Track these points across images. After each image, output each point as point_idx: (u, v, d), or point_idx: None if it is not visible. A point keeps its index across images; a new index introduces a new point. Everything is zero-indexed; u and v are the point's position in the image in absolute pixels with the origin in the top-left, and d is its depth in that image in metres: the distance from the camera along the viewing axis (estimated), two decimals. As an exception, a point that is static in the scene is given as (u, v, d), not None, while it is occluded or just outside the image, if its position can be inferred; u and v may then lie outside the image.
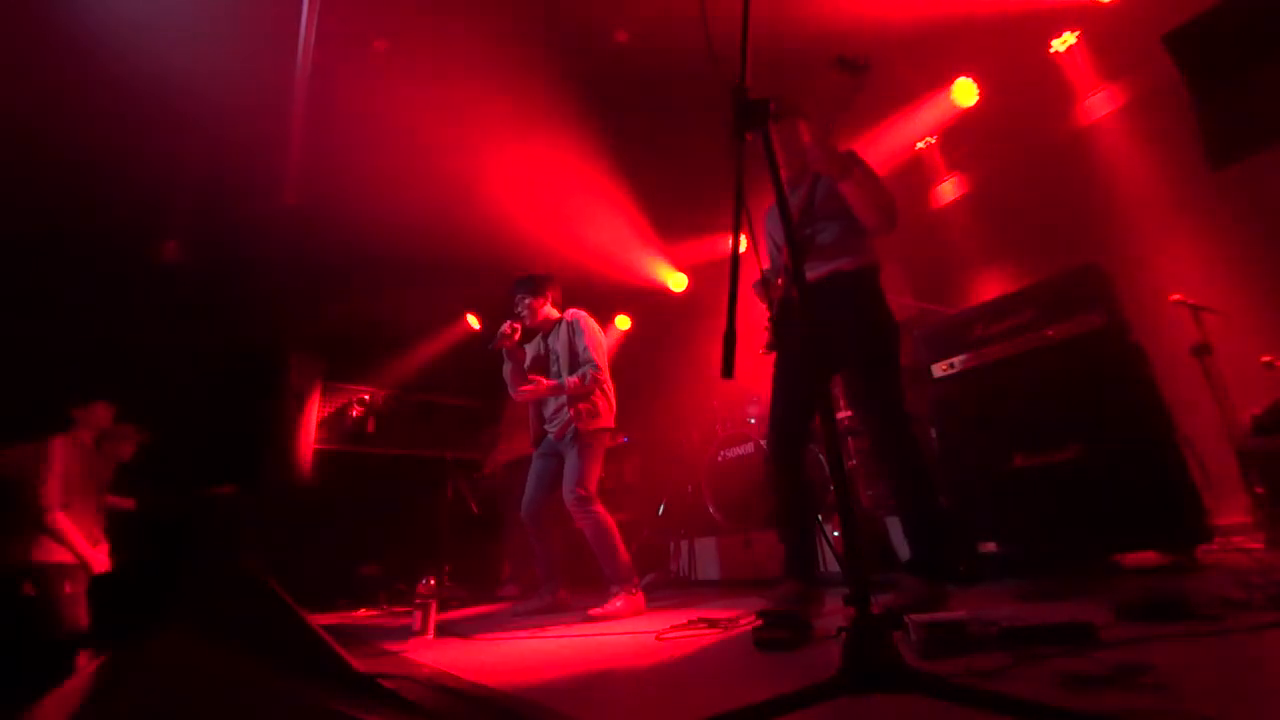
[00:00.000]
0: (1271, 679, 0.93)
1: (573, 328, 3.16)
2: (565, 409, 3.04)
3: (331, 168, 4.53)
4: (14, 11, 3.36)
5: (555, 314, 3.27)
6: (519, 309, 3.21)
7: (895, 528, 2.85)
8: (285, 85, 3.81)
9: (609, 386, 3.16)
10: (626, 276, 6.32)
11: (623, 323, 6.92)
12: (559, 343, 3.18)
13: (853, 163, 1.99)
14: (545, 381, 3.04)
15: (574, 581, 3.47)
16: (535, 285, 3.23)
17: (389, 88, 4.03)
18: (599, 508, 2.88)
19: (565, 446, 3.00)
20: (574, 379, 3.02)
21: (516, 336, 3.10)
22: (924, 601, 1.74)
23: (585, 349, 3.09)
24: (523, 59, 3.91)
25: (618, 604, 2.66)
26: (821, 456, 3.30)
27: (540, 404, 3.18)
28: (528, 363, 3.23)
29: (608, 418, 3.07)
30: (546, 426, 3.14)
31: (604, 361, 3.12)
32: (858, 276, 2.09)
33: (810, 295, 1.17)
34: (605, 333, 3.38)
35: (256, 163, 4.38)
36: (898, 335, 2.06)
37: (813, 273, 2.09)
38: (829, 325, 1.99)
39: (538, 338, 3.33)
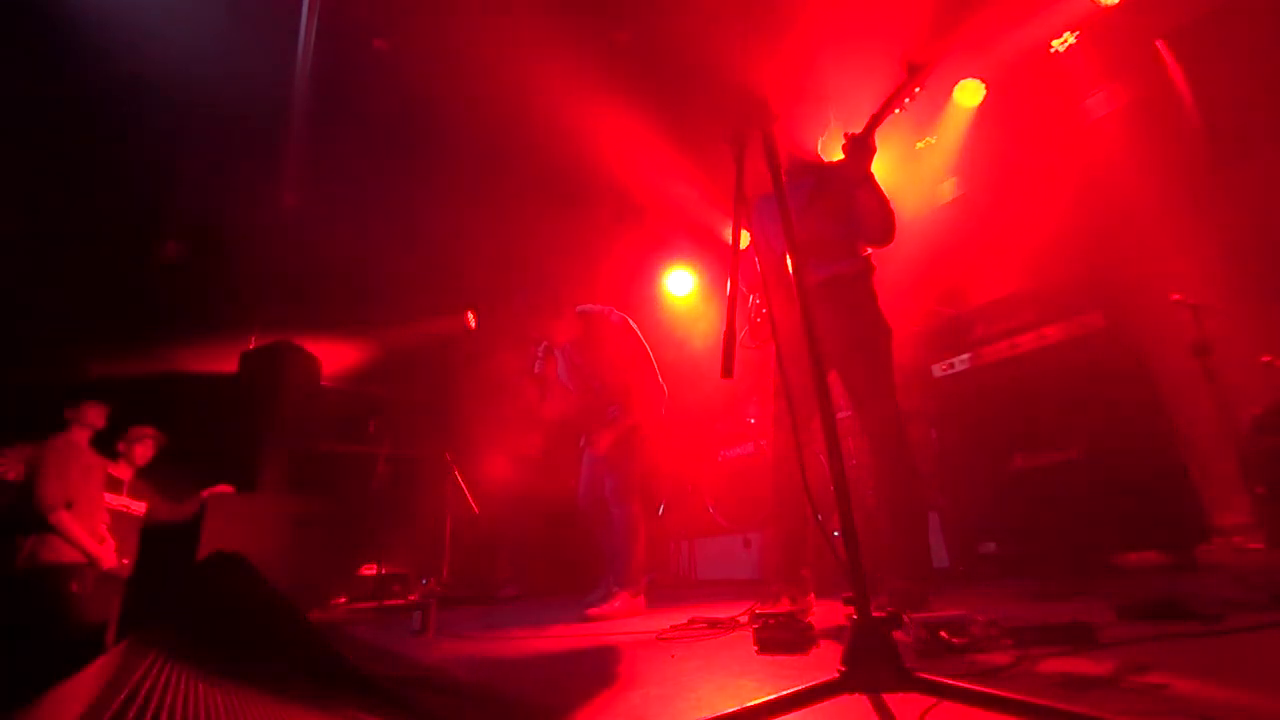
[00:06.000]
0: (1271, 679, 0.93)
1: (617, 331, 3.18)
2: (609, 410, 3.10)
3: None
4: (15, 12, 3.36)
5: (580, 325, 3.24)
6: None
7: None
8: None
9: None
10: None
11: None
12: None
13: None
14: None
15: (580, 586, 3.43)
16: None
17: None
18: (636, 508, 2.92)
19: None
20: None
21: (549, 359, 3.17)
22: (911, 601, 1.75)
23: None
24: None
25: (616, 604, 2.68)
26: (822, 458, 3.27)
27: (588, 405, 3.24)
28: (561, 371, 3.25)
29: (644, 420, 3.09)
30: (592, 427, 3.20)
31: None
32: (854, 279, 2.10)
33: (810, 296, 1.17)
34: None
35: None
36: (889, 338, 2.07)
37: (811, 275, 2.09)
38: (825, 327, 1.98)
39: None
